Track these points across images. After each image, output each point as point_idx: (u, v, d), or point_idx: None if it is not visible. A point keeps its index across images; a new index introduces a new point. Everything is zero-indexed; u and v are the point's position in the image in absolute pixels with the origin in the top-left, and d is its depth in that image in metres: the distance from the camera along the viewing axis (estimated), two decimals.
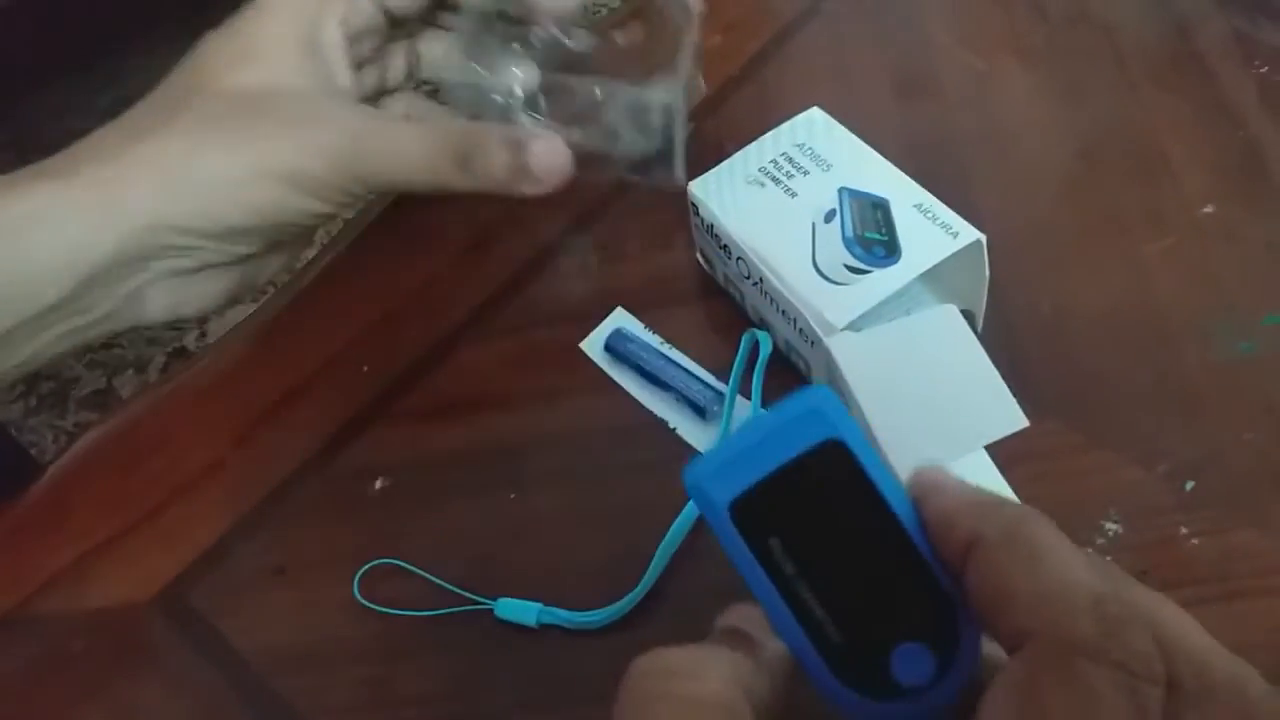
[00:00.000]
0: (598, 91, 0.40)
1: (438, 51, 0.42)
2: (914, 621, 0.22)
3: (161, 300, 0.36)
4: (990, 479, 0.39)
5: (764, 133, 0.44)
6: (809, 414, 0.22)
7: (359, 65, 0.40)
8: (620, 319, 0.46)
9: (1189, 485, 0.40)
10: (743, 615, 0.24)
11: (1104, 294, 0.45)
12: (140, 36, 1.33)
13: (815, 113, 0.45)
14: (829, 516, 0.22)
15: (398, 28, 0.41)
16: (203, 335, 1.19)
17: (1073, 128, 0.51)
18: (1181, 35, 0.54)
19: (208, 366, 0.47)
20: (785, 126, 0.44)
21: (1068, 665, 0.19)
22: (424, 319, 0.47)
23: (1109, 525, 0.39)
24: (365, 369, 0.46)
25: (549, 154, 0.35)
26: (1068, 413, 0.42)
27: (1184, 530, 0.39)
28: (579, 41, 0.40)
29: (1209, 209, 0.48)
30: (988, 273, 0.41)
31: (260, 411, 0.45)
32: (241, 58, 0.36)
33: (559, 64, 0.40)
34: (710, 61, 0.47)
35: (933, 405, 0.37)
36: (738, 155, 0.44)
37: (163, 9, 1.37)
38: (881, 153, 0.43)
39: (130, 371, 1.22)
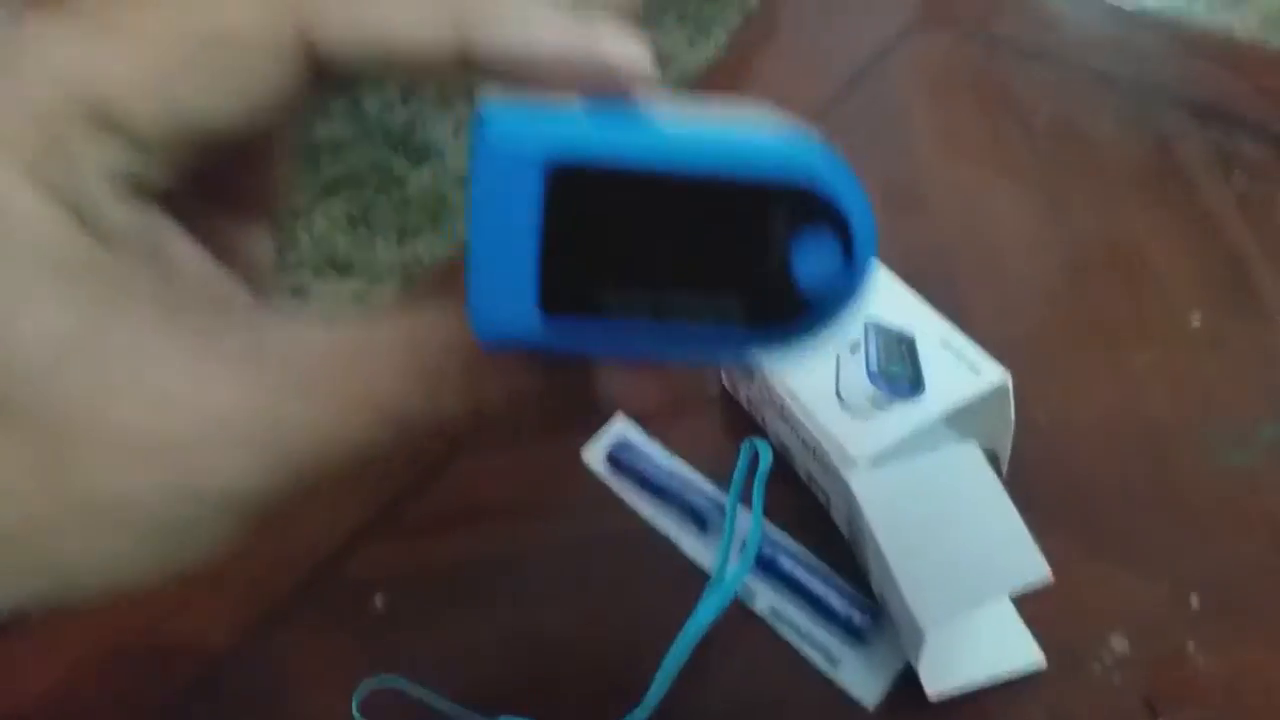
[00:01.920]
0: None
1: None
2: (788, 220, 0.18)
3: None
4: (1012, 628, 0.39)
5: None
6: (509, 166, 0.17)
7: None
8: (623, 428, 0.46)
9: (1194, 600, 0.40)
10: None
11: (1098, 405, 0.46)
12: None
13: None
14: (623, 223, 0.18)
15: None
16: None
17: (1059, 240, 0.52)
18: (1163, 150, 0.56)
19: None
20: None
21: None
22: None
23: (1115, 642, 0.39)
24: (364, 482, 0.46)
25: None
26: (1069, 526, 0.42)
27: (1191, 647, 0.39)
28: None
29: (1196, 320, 0.48)
30: (1013, 415, 0.40)
31: (257, 527, 0.44)
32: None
33: None
34: None
35: (953, 549, 0.36)
36: None
37: None
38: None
39: None
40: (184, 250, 0.20)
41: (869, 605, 0.40)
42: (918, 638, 0.36)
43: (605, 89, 0.19)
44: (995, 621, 0.39)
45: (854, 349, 0.41)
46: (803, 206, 0.18)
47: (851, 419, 0.39)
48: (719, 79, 0.64)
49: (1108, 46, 0.62)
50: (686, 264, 0.18)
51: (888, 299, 0.43)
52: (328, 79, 0.19)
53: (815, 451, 0.40)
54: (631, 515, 0.44)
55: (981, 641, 0.39)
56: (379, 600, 0.42)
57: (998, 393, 0.40)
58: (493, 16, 0.18)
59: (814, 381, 0.40)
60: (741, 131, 0.18)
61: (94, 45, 0.17)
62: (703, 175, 0.17)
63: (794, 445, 0.42)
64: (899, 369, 0.40)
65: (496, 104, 0.18)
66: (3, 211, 0.17)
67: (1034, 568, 0.36)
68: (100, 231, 0.18)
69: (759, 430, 0.45)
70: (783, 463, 0.44)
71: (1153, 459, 0.44)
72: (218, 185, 0.21)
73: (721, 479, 0.44)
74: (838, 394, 0.40)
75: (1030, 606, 0.39)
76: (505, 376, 0.19)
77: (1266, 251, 0.51)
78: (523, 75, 0.18)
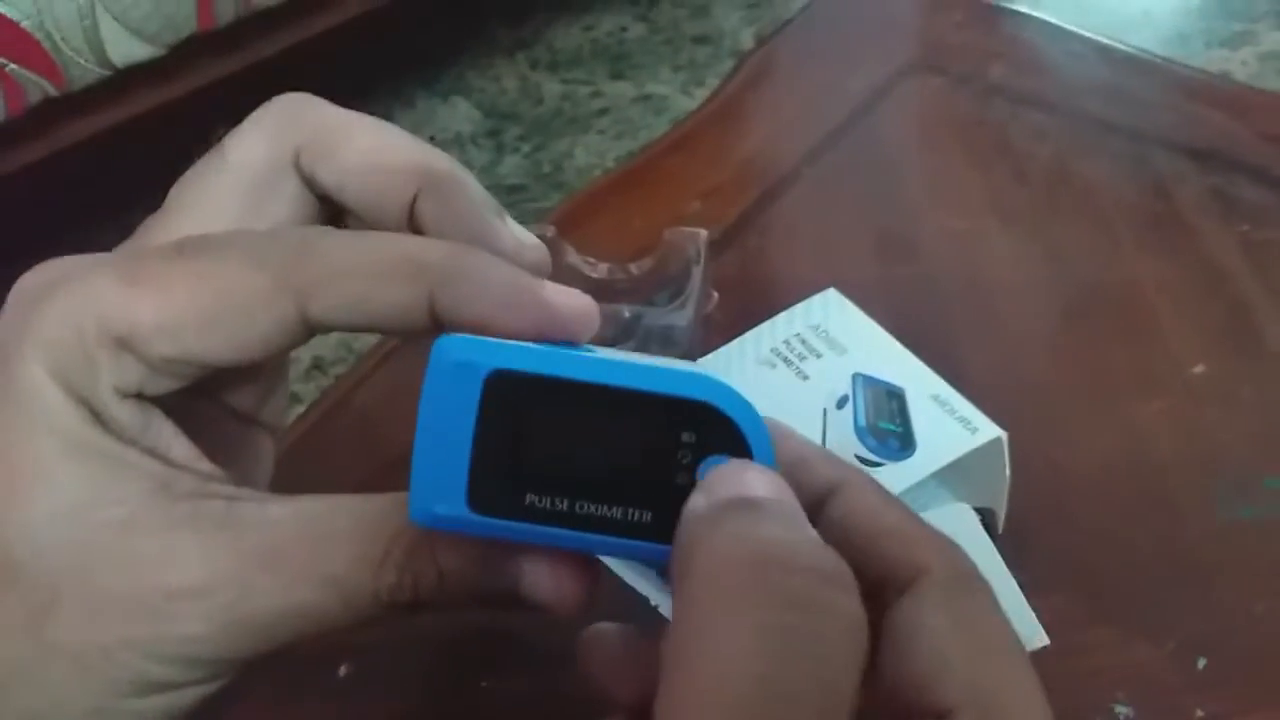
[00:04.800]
0: (626, 314, 0.43)
1: None
2: (693, 443, 0.20)
3: None
4: None
5: (744, 297, 0.44)
6: (453, 373, 0.20)
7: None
8: None
9: (1201, 663, 0.38)
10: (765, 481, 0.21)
11: (1099, 457, 0.44)
12: (140, 199, 1.37)
13: (831, 294, 0.44)
14: (549, 433, 0.20)
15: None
16: None
17: (1058, 288, 0.51)
18: (1161, 195, 0.54)
19: None
20: (799, 307, 0.43)
21: (977, 586, 0.22)
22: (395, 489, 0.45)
23: (1119, 709, 0.37)
24: None
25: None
26: (1068, 585, 0.40)
27: (1200, 714, 0.37)
28: (597, 271, 0.45)
29: (1200, 369, 0.47)
30: (1009, 472, 0.39)
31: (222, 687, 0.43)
32: (16, 500, 0.21)
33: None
34: (691, 226, 0.48)
35: None
36: (749, 334, 0.43)
37: (164, 170, 1.40)
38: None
39: None
40: (175, 441, 0.23)
41: None
42: None
43: (555, 335, 0.22)
44: None
45: (841, 404, 0.40)
46: (706, 430, 0.20)
47: None
48: (711, 123, 0.63)
49: (1103, 91, 0.61)
50: (601, 480, 0.20)
51: (876, 352, 0.41)
52: (315, 331, 0.23)
53: None
54: (609, 578, 0.42)
55: None
56: (343, 670, 0.40)
57: (991, 448, 0.38)
58: (458, 291, 0.21)
59: None
60: (661, 364, 0.20)
61: (130, 291, 0.22)
62: (619, 388, 0.20)
63: None
64: (888, 425, 0.39)
65: (452, 336, 0.21)
66: (32, 400, 0.21)
67: (1029, 634, 0.34)
68: (106, 424, 0.22)
69: None
70: None
71: (1156, 514, 0.42)
72: (221, 399, 0.26)
73: None
74: None
75: None
76: (440, 560, 0.22)
77: (1271, 298, 0.49)
78: (487, 331, 0.21)
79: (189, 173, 0.26)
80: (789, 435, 0.23)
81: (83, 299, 0.22)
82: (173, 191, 0.26)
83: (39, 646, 0.21)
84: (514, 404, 0.20)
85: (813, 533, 0.20)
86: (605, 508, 0.20)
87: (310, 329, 0.22)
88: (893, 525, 0.22)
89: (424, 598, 0.23)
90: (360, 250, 0.22)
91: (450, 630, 0.41)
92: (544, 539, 0.21)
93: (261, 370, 0.27)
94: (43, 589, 0.21)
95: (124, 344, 0.22)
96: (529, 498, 0.20)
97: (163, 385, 0.23)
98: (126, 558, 0.21)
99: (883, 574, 0.22)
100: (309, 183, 0.26)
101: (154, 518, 0.22)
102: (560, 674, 0.39)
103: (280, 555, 0.22)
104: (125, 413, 0.22)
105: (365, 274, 0.22)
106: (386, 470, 0.46)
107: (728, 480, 0.21)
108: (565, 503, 0.20)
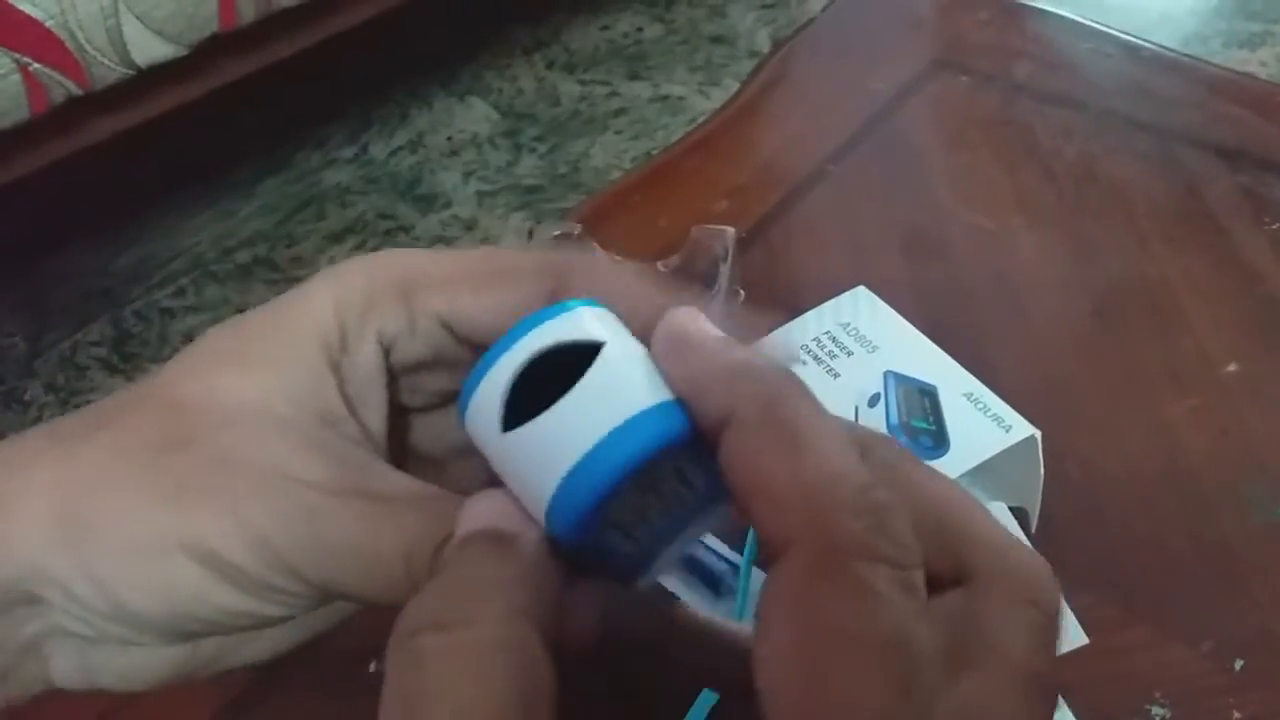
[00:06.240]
0: None
1: None
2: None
3: (67, 664, 0.25)
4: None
5: (771, 295, 0.44)
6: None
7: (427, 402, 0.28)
8: None
9: (1239, 664, 0.38)
10: (485, 511, 0.21)
11: (1131, 456, 0.44)
12: (160, 198, 1.37)
13: (861, 291, 0.44)
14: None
15: None
16: None
17: (1087, 286, 0.50)
18: (1191, 194, 0.54)
19: None
20: (829, 304, 0.43)
21: (842, 571, 0.17)
22: None
23: (1156, 710, 0.37)
24: None
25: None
26: (1104, 585, 0.40)
27: (1238, 715, 0.36)
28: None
29: (1232, 367, 0.46)
30: (1042, 469, 0.39)
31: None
32: (226, 359, 0.25)
33: None
34: (717, 225, 0.48)
35: None
36: (779, 330, 0.43)
37: (184, 170, 1.41)
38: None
39: None
40: (376, 405, 0.26)
41: None
42: None
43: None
44: None
45: (873, 402, 0.39)
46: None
47: None
48: (734, 123, 0.63)
49: (1130, 90, 0.61)
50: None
51: (907, 349, 0.41)
52: None
53: None
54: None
55: None
56: (373, 667, 0.40)
57: (1025, 446, 0.38)
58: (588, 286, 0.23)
59: None
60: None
61: (428, 254, 0.26)
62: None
63: None
64: (921, 423, 0.38)
65: None
66: (307, 316, 0.25)
67: (1068, 632, 0.34)
68: (346, 349, 0.25)
69: None
70: None
71: (1190, 514, 0.42)
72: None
73: (735, 536, 0.42)
74: None
75: (1063, 672, 0.36)
76: (462, 519, 0.22)
77: None
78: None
79: None
80: (688, 345, 0.20)
81: (390, 256, 0.26)
82: None
83: (146, 462, 0.23)
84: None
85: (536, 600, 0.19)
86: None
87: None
88: (765, 483, 0.18)
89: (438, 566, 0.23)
90: (611, 265, 0.25)
91: None
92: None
93: None
94: (188, 428, 0.24)
95: (406, 294, 0.25)
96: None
97: (413, 351, 0.25)
98: (260, 437, 0.24)
99: (770, 539, 0.18)
100: None
101: (308, 432, 0.24)
102: (590, 675, 0.39)
103: (365, 497, 0.23)
104: (368, 359, 0.25)
105: (613, 281, 0.24)
106: None
107: (475, 508, 0.21)
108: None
